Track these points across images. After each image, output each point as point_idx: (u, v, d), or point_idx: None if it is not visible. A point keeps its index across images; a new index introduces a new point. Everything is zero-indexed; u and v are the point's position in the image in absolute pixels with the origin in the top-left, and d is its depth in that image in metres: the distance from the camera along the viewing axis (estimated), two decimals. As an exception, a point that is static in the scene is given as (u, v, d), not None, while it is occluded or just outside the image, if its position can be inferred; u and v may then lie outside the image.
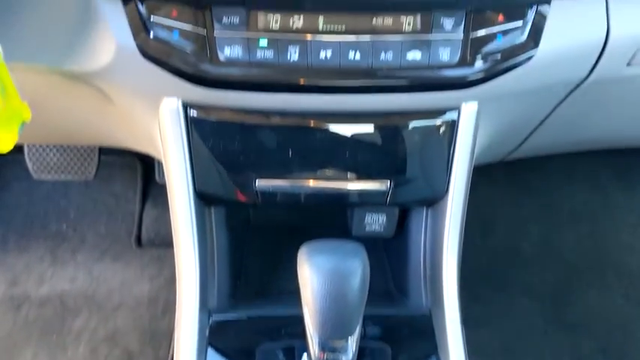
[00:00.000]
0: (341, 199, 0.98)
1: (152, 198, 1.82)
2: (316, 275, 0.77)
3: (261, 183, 0.95)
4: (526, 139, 1.20)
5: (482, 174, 1.18)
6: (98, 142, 1.47)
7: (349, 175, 0.95)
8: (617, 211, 1.81)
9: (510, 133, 1.12)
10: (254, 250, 1.26)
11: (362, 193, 0.97)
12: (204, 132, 0.92)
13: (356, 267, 0.78)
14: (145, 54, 0.83)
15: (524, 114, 1.05)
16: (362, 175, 0.96)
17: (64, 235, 1.78)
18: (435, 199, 1.01)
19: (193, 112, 0.90)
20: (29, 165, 1.72)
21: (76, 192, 1.84)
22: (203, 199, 0.98)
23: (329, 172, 0.95)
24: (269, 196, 0.96)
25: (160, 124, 0.93)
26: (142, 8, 0.81)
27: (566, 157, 1.51)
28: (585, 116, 1.14)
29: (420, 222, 1.07)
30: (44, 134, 1.26)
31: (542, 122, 1.11)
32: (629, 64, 0.96)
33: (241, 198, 0.97)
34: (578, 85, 0.98)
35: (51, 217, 1.81)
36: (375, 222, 1.10)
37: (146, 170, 1.82)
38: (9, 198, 1.83)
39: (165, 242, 1.73)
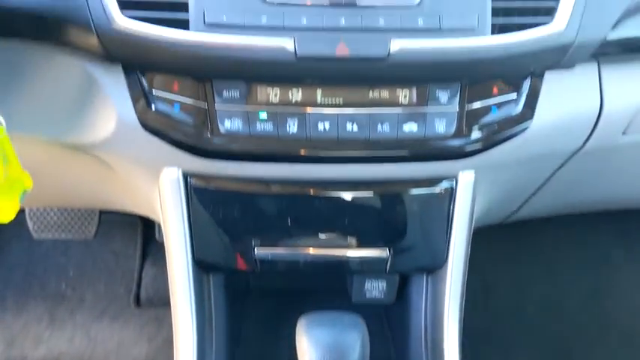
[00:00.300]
0: (340, 266, 0.98)
1: (152, 256, 1.81)
2: (314, 349, 0.77)
3: (260, 251, 0.95)
4: (525, 202, 1.20)
5: (482, 234, 1.18)
6: (98, 206, 1.48)
7: (348, 243, 0.95)
8: (618, 269, 1.80)
9: (508, 198, 1.13)
10: (253, 316, 1.25)
11: (361, 261, 0.97)
12: (204, 201, 0.92)
13: (355, 341, 0.78)
14: (146, 126, 0.84)
15: (521, 181, 1.06)
16: (361, 244, 0.96)
17: (63, 294, 1.77)
18: (434, 267, 1.01)
19: (193, 182, 0.91)
20: (30, 224, 1.73)
21: (76, 250, 1.84)
22: (202, 267, 0.98)
23: (328, 240, 0.95)
24: (268, 264, 0.96)
25: (160, 192, 0.94)
26: (144, 82, 0.83)
27: (566, 216, 1.51)
28: (584, 181, 1.15)
29: (420, 289, 1.06)
30: (44, 199, 1.27)
31: (540, 187, 1.12)
32: (624, 133, 0.97)
33: (240, 266, 0.97)
34: (574, 154, 0.99)
35: (50, 275, 1.80)
36: (375, 288, 1.10)
37: (146, 228, 1.82)
38: (9, 257, 1.82)
39: (164, 301, 1.71)
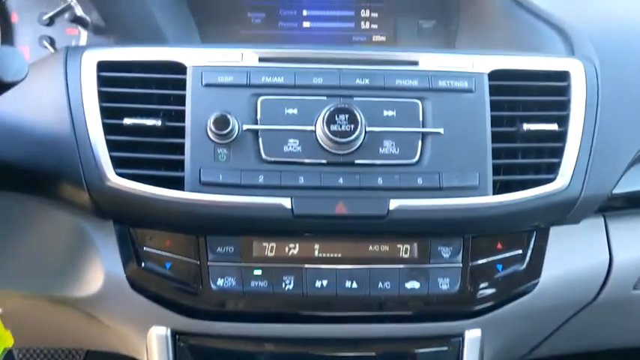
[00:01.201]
0: None
1: None
2: None
3: None
4: (536, 346, 1.14)
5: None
6: (84, 347, 1.42)
7: None
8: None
9: (519, 345, 1.07)
10: None
11: None
12: None
13: None
14: (135, 286, 0.80)
15: (531, 331, 1.00)
16: None
17: None
18: None
19: (182, 341, 0.86)
20: (15, 353, 1.64)
21: None
22: None
23: None
24: None
25: (147, 348, 0.88)
26: (135, 238, 0.80)
27: (585, 353, 1.43)
28: (598, 327, 1.09)
29: None
30: (27, 342, 1.21)
31: (552, 334, 1.06)
32: (635, 288, 0.93)
33: None
34: (585, 307, 0.94)
35: None
36: None
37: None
38: None
39: None
